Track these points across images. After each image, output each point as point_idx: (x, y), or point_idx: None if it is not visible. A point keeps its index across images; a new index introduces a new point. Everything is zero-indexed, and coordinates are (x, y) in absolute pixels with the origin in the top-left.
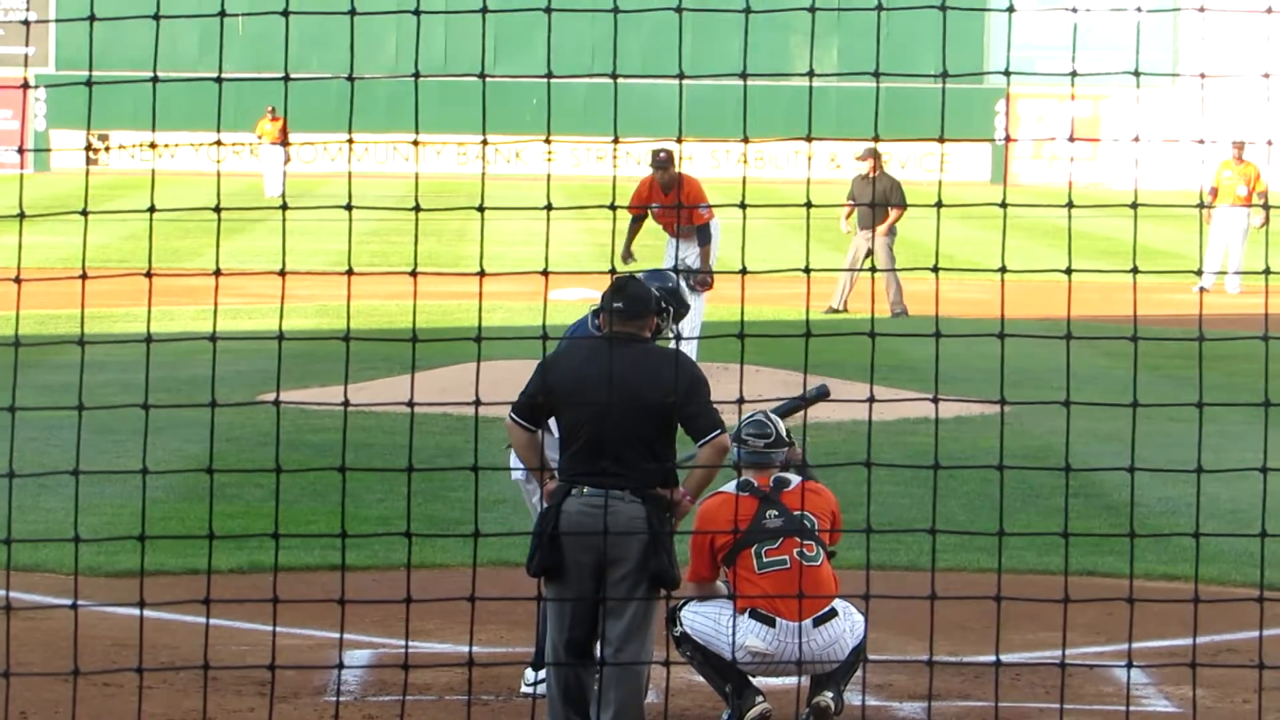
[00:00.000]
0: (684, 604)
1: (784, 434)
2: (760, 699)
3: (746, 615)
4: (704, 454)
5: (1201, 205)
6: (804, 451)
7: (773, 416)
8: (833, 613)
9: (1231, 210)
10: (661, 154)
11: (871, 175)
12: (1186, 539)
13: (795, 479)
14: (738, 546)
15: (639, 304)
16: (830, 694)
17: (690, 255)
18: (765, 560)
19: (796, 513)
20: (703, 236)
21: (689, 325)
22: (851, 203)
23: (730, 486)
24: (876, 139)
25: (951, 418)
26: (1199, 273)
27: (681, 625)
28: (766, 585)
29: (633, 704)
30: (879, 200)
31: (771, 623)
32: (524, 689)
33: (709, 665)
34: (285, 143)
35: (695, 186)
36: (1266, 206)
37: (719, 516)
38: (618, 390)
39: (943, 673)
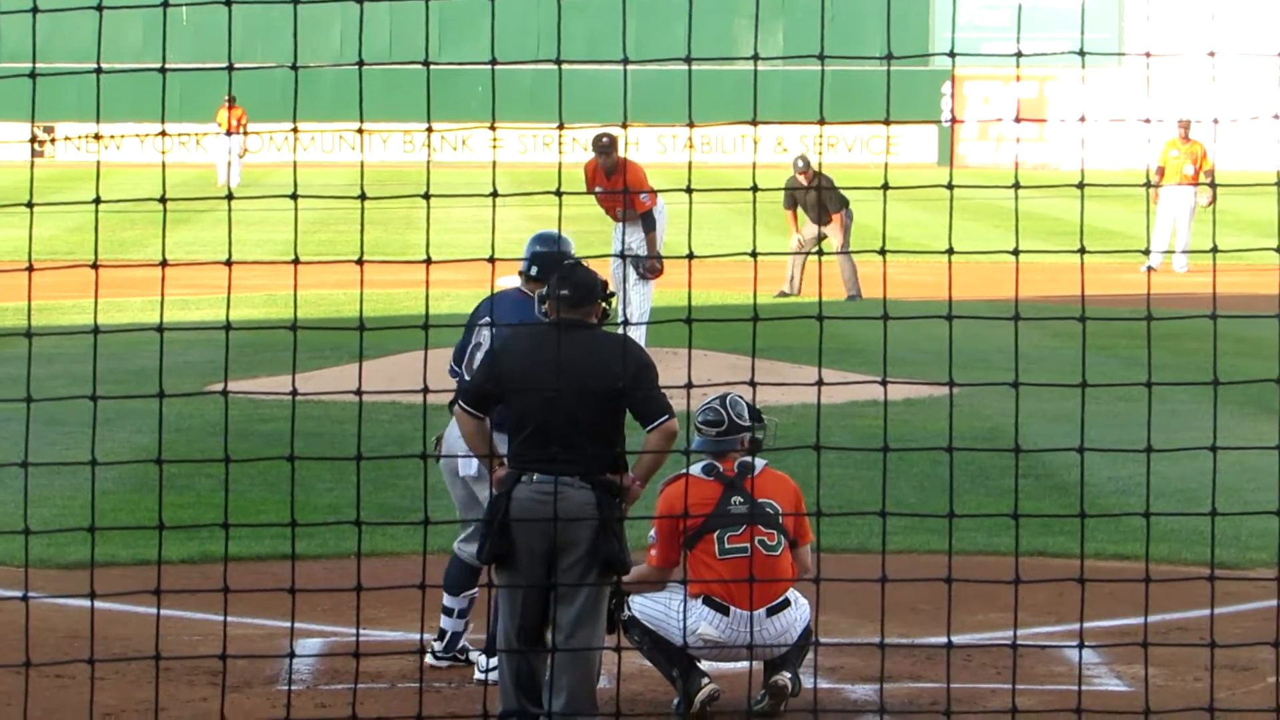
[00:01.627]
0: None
1: (741, 419)
2: (707, 680)
3: (700, 601)
4: (652, 439)
5: (1148, 185)
6: (760, 436)
7: (728, 402)
8: (786, 603)
9: (1178, 189)
10: (604, 139)
11: (808, 183)
12: (1137, 518)
13: (761, 463)
14: (700, 531)
15: (585, 290)
16: (788, 674)
17: (635, 241)
18: (727, 546)
19: (761, 500)
20: (647, 223)
21: (637, 310)
22: (793, 217)
23: (695, 469)
24: (822, 122)
25: (901, 400)
26: (1146, 252)
27: (630, 610)
28: (724, 571)
29: (584, 689)
30: (820, 208)
31: (726, 611)
32: (476, 675)
33: (657, 650)
34: (244, 132)
35: (638, 173)
36: (1213, 185)
37: (683, 500)
38: (566, 376)
39: (894, 655)
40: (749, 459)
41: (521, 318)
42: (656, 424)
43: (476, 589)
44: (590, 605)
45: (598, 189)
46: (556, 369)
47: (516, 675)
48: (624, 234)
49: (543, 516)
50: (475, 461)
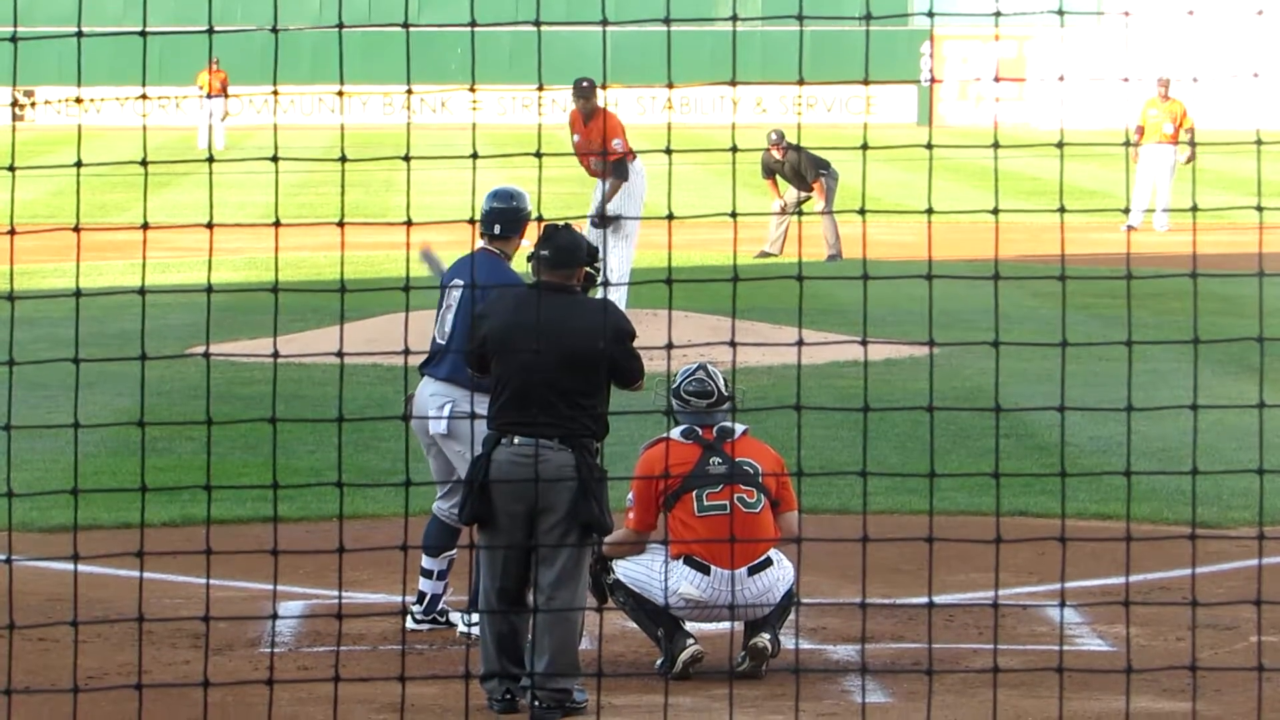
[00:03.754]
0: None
1: (724, 389)
2: (691, 641)
3: (681, 562)
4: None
5: (1128, 144)
6: (734, 399)
7: (712, 372)
8: (768, 562)
9: (1158, 148)
10: (584, 82)
11: (782, 158)
12: (1118, 478)
13: (740, 428)
14: (679, 491)
15: (567, 252)
16: (767, 636)
17: (613, 199)
18: (706, 504)
19: (739, 460)
20: (618, 172)
21: (617, 273)
22: (773, 184)
23: (675, 433)
24: (801, 82)
25: (881, 360)
26: (1126, 211)
27: (614, 572)
28: (703, 530)
29: (566, 651)
30: (799, 178)
31: (706, 570)
32: (460, 630)
33: (641, 611)
34: (225, 95)
35: (613, 122)
36: (1193, 144)
37: (661, 464)
38: (546, 339)
39: (876, 615)
40: (729, 424)
41: (496, 278)
42: (630, 389)
43: (455, 550)
44: (571, 567)
45: (575, 137)
46: (537, 332)
47: (498, 637)
48: (603, 190)
49: (522, 479)
50: (445, 420)
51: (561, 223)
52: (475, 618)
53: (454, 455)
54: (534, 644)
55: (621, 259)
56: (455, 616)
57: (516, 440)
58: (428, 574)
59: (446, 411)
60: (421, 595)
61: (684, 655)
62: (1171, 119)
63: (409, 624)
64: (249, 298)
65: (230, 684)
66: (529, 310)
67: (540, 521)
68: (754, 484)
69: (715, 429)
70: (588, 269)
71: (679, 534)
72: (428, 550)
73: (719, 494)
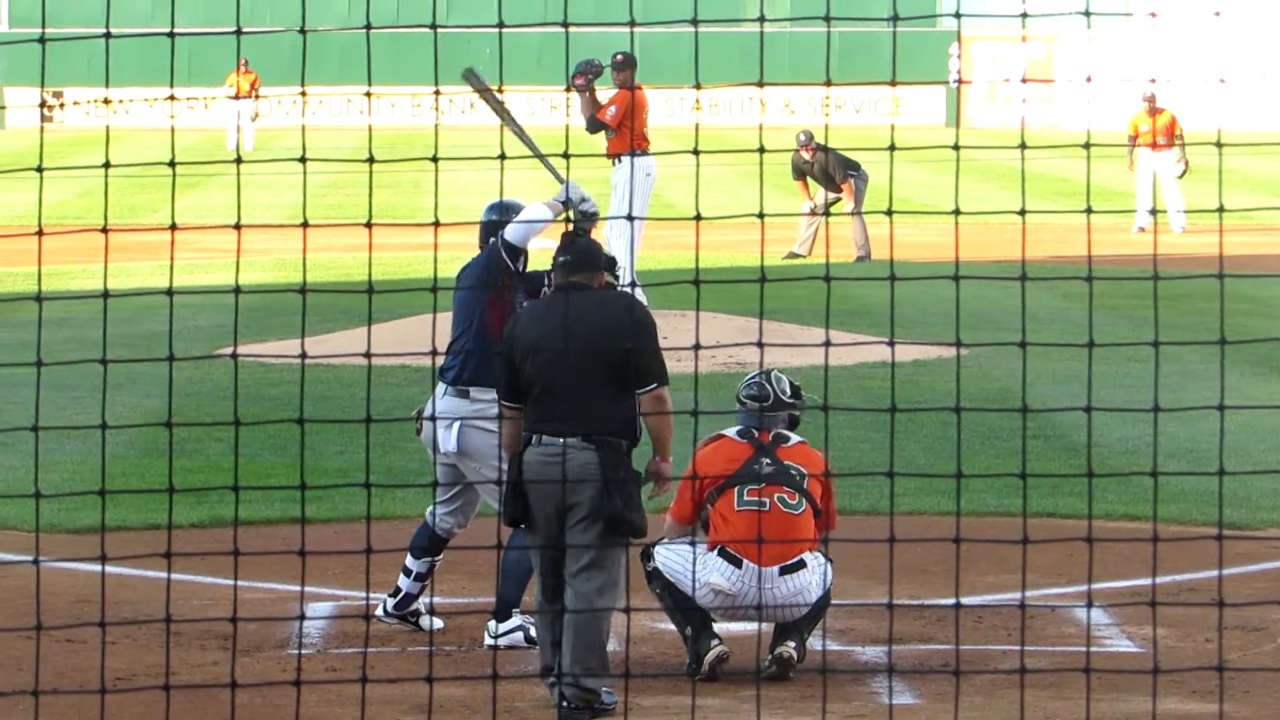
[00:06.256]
0: (658, 541)
1: (785, 395)
2: (716, 641)
3: (715, 553)
4: (642, 404)
5: (1150, 145)
6: (798, 414)
7: (772, 378)
8: (801, 564)
9: (1153, 152)
10: (617, 55)
11: (811, 158)
12: (1146, 479)
13: (795, 437)
14: (723, 486)
15: (585, 255)
16: (793, 643)
17: (620, 180)
18: (746, 498)
19: (787, 462)
20: (592, 124)
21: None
22: (804, 186)
23: (731, 431)
24: (829, 83)
25: (909, 361)
26: (1153, 212)
27: (654, 561)
28: (740, 524)
29: (593, 650)
30: (828, 179)
31: (739, 563)
32: (487, 641)
33: (674, 604)
34: (256, 96)
35: (623, 94)
36: (1184, 147)
37: (714, 460)
38: (571, 338)
39: (904, 616)
40: (785, 432)
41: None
42: (645, 390)
43: (441, 556)
44: (596, 565)
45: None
46: (564, 331)
47: (551, 633)
48: (630, 193)
49: (549, 478)
50: (454, 438)
51: (578, 230)
52: (503, 628)
53: (470, 472)
54: (563, 642)
55: (623, 255)
56: (425, 621)
57: (544, 440)
58: (407, 572)
59: (455, 430)
60: (397, 590)
61: (709, 656)
62: (1164, 133)
63: (378, 613)
64: (277, 299)
65: (258, 685)
66: (556, 311)
67: (567, 519)
68: (797, 487)
69: (772, 434)
70: (608, 277)
71: (718, 526)
72: (412, 550)
73: (759, 491)
